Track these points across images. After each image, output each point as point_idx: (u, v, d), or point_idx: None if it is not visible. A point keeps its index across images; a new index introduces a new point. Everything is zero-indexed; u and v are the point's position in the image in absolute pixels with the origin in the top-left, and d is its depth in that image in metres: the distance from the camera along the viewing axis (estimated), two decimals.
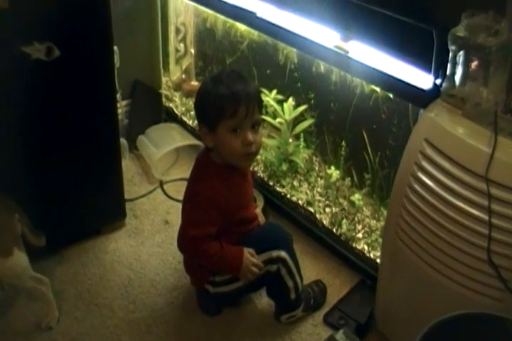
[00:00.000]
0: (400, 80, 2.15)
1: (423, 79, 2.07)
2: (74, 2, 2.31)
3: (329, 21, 2.34)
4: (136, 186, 3.25)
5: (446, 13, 1.91)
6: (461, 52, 1.83)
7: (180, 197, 2.59)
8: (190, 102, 3.63)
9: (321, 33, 2.39)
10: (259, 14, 2.62)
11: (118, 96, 2.80)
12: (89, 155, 2.65)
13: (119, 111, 2.81)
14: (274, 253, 2.35)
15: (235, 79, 2.24)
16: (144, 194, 3.21)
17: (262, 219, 2.56)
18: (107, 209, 2.87)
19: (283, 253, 2.36)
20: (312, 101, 2.89)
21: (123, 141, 3.10)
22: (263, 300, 2.61)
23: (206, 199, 2.27)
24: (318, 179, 3.00)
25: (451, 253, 1.91)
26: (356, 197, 2.80)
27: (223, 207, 2.27)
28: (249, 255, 2.32)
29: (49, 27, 2.28)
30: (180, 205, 2.97)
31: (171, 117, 3.62)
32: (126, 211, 2.96)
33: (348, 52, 2.30)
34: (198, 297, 2.59)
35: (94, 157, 2.68)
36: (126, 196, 2.97)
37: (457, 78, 1.88)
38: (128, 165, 3.33)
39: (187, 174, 2.46)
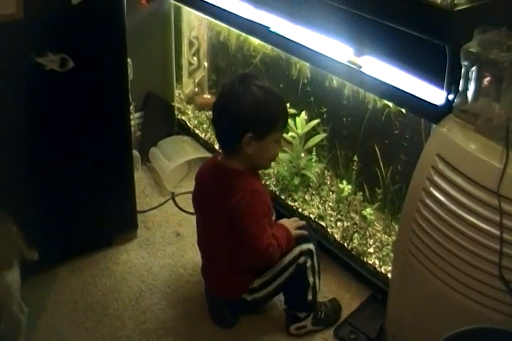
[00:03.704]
0: (412, 95, 2.15)
1: (435, 95, 2.08)
2: (89, 14, 2.33)
3: (342, 36, 2.35)
4: (148, 198, 3.26)
5: (459, 29, 1.92)
6: (474, 68, 1.83)
7: (192, 209, 2.59)
8: (203, 115, 3.64)
9: (334, 48, 2.40)
10: (272, 28, 2.63)
11: (131, 108, 2.82)
12: (102, 166, 2.66)
13: (132, 123, 2.82)
14: (305, 246, 2.43)
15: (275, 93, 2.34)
16: (155, 206, 3.22)
17: None
18: (118, 221, 2.88)
19: (312, 246, 2.44)
20: (324, 116, 2.90)
21: (135, 153, 3.11)
22: (274, 313, 2.61)
23: (259, 204, 2.33)
24: (330, 193, 3.00)
25: (463, 269, 1.90)
26: (368, 211, 2.80)
27: (268, 202, 2.39)
28: (289, 225, 2.45)
29: (63, 38, 2.31)
30: (192, 218, 3.00)
31: (184, 130, 3.64)
32: (137, 222, 2.97)
33: (360, 67, 2.31)
34: (211, 309, 2.60)
35: (107, 168, 2.69)
36: (138, 208, 2.99)
37: (470, 94, 1.88)
38: (140, 177, 3.34)
39: None
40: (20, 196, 2.41)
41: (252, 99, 2.26)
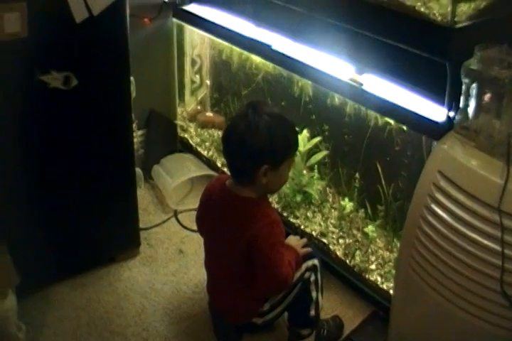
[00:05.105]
0: (413, 113, 2.17)
1: (436, 112, 2.09)
2: (92, 32, 2.34)
3: (344, 54, 2.37)
4: (150, 215, 3.27)
5: (459, 46, 1.94)
6: (474, 85, 1.85)
7: (195, 226, 2.60)
8: (205, 133, 3.66)
9: (336, 66, 2.42)
10: (274, 47, 2.65)
11: (134, 126, 2.82)
12: (105, 184, 2.67)
13: (135, 140, 2.82)
14: (310, 262, 2.43)
15: (286, 118, 2.29)
16: (158, 223, 3.22)
17: None
18: (121, 238, 2.89)
19: (316, 261, 2.44)
20: (326, 133, 2.92)
21: (138, 170, 3.12)
22: (277, 331, 2.60)
23: (277, 235, 2.29)
24: (332, 210, 3.00)
25: (465, 285, 1.91)
26: (370, 228, 2.81)
27: (284, 230, 2.35)
28: (296, 245, 2.43)
29: (67, 56, 2.32)
30: (195, 235, 3.00)
31: (186, 148, 3.65)
32: (140, 239, 2.98)
33: (362, 84, 2.32)
34: (215, 327, 2.59)
35: (110, 186, 2.70)
36: (141, 225, 2.99)
37: (470, 110, 1.89)
38: (143, 195, 3.36)
39: None
40: (23, 213, 2.42)
41: (268, 131, 2.17)
